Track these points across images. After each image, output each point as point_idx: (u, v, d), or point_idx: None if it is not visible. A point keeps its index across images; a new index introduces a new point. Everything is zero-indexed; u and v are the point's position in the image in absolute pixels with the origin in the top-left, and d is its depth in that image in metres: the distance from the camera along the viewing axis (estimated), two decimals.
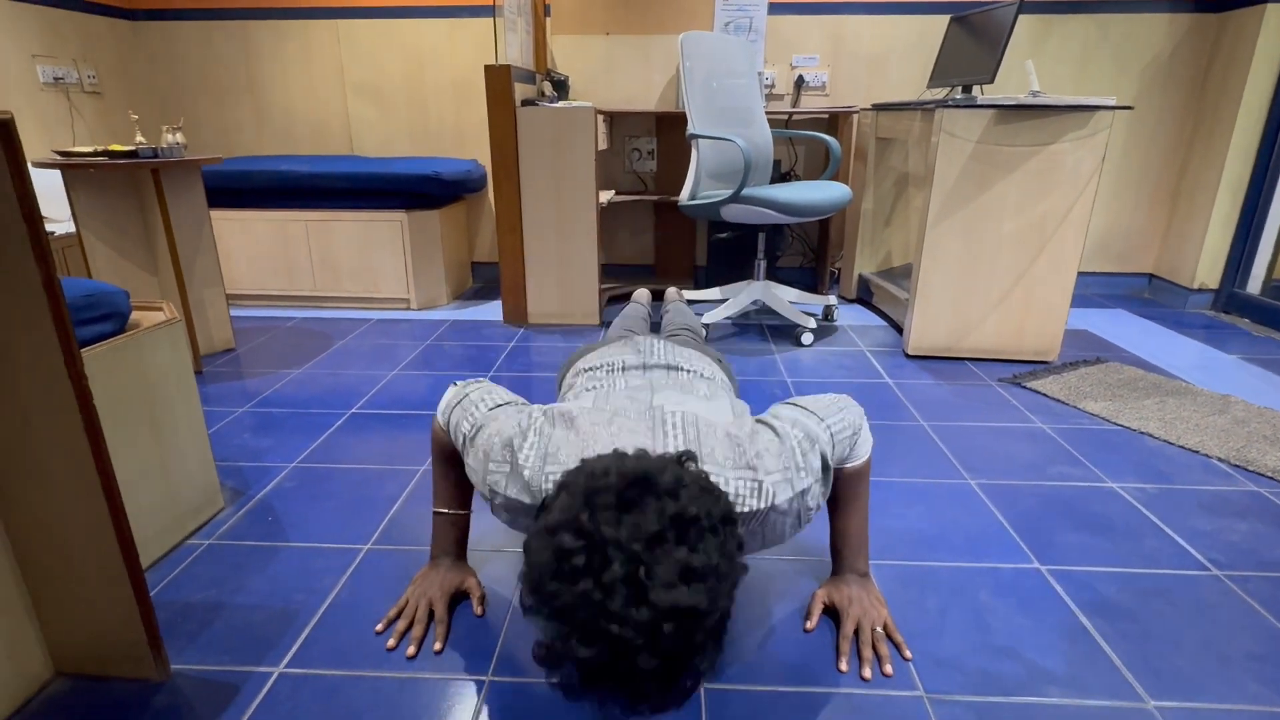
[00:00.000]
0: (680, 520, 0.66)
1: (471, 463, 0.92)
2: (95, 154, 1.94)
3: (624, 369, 1.12)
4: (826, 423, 0.94)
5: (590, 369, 1.16)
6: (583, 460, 0.75)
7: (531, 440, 0.86)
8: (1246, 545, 1.26)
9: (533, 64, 2.82)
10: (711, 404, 0.98)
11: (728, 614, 0.69)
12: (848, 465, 1.02)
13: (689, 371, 1.12)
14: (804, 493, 0.86)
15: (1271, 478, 1.49)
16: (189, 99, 3.13)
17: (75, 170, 1.94)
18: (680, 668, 0.66)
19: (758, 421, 0.91)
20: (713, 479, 0.80)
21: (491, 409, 0.96)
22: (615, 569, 0.63)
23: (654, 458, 0.74)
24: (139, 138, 2.06)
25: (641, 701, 0.68)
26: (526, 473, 0.84)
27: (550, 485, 0.82)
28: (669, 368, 1.12)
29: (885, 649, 0.99)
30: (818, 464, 0.88)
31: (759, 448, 0.86)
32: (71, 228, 2.28)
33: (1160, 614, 1.09)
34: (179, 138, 2.06)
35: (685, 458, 0.76)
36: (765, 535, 0.88)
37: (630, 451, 0.77)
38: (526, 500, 0.84)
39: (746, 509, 0.83)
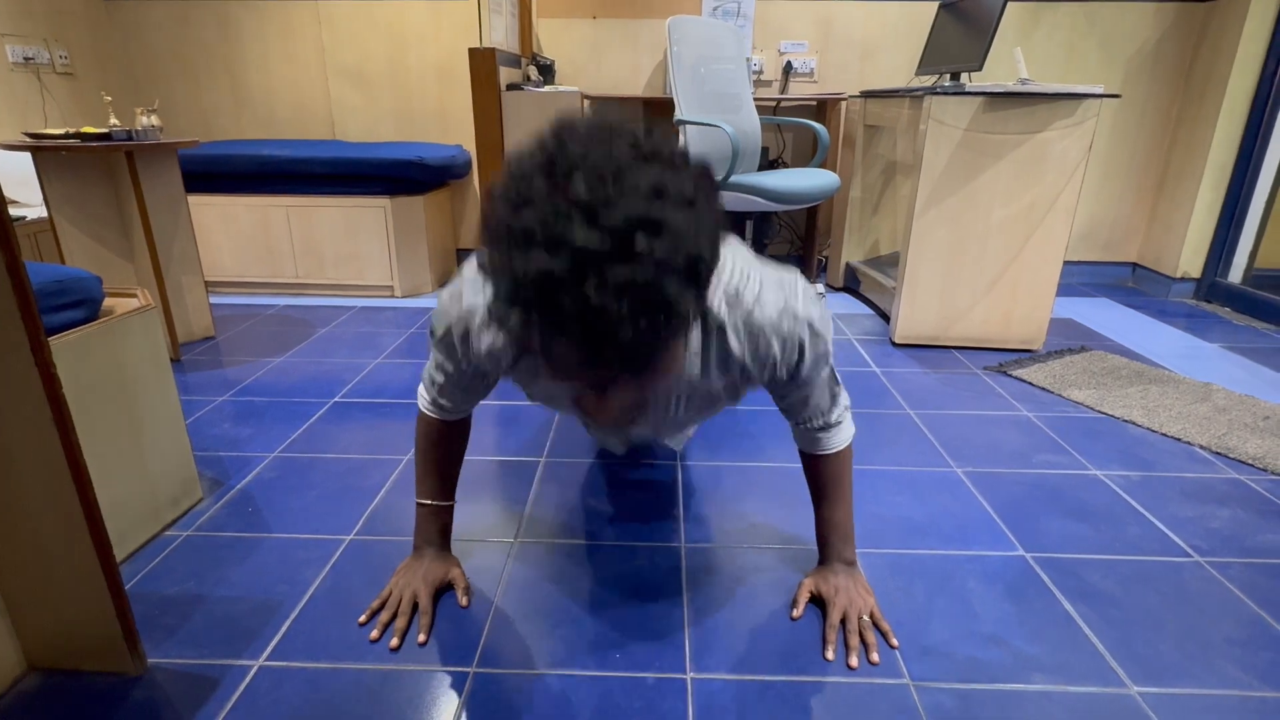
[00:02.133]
0: (654, 152, 0.56)
1: (443, 322, 0.86)
2: (67, 136, 1.89)
3: None
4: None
5: None
6: None
7: (465, 273, 0.84)
8: (1228, 532, 1.27)
9: (518, 47, 2.78)
10: None
11: (706, 264, 0.57)
12: (831, 450, 1.02)
13: None
14: (797, 317, 0.79)
15: (1252, 465, 1.50)
16: (165, 80, 3.06)
17: (46, 153, 1.89)
18: (653, 309, 0.54)
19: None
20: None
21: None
22: (578, 183, 0.53)
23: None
24: (113, 120, 2.01)
25: (608, 363, 0.57)
26: (475, 277, 0.81)
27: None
28: None
29: (872, 637, 0.99)
30: (816, 311, 0.82)
31: (759, 262, 0.82)
32: (44, 212, 2.22)
33: (1143, 600, 1.10)
34: (154, 120, 2.01)
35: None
36: (748, 346, 0.80)
37: None
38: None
39: (732, 289, 0.77)
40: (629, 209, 0.52)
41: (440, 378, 0.97)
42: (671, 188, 0.55)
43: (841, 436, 1.01)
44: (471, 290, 0.83)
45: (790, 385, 0.90)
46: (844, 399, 1.00)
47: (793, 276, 0.84)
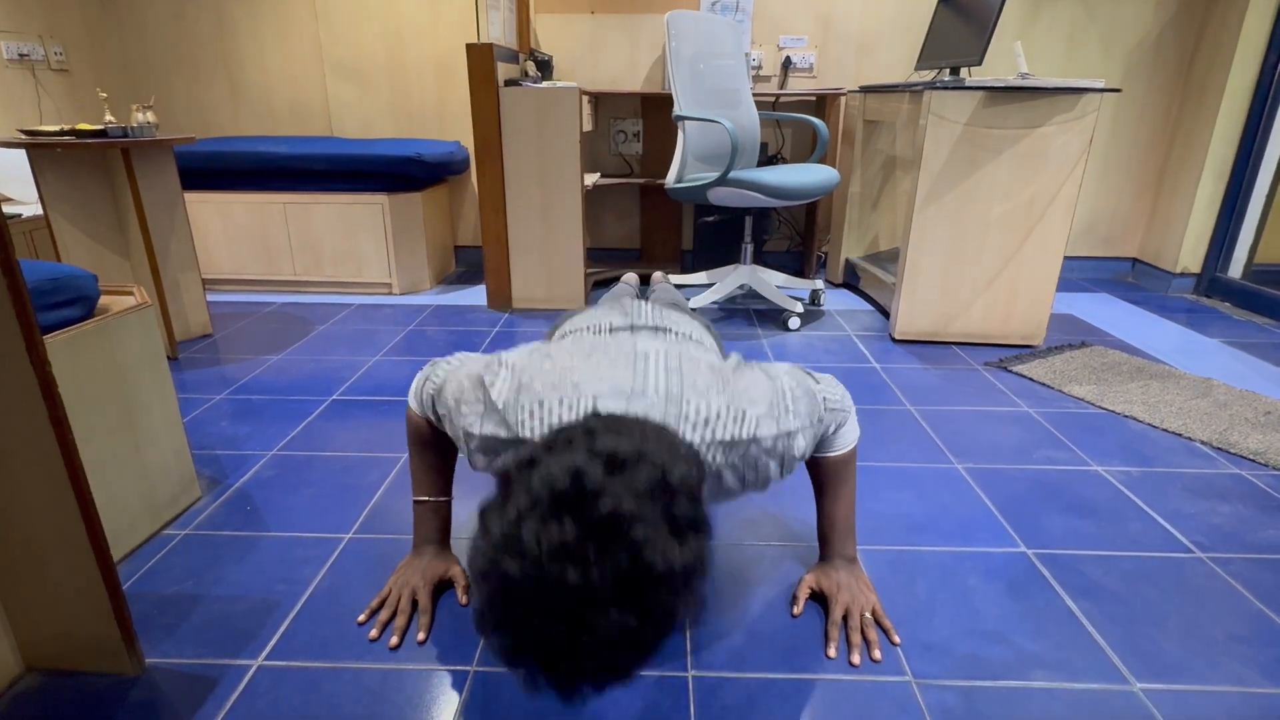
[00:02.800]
0: (632, 582, 0.59)
1: (442, 412, 0.90)
2: (62, 133, 1.88)
3: (610, 330, 1.06)
4: (821, 385, 0.93)
5: (575, 331, 1.11)
6: (533, 459, 0.66)
7: (504, 375, 0.84)
8: (1229, 527, 1.27)
9: (516, 43, 2.77)
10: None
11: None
12: (835, 452, 1.01)
13: (677, 334, 1.07)
14: (790, 434, 0.83)
15: (1253, 460, 1.50)
16: (161, 77, 3.04)
17: (42, 150, 1.88)
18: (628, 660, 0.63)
19: (747, 365, 0.90)
20: (691, 406, 0.79)
21: (460, 361, 0.95)
22: (557, 619, 0.58)
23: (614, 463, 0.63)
24: (108, 116, 2.00)
25: (570, 689, 0.64)
26: (501, 405, 0.81)
27: (527, 416, 0.79)
28: (656, 329, 1.06)
29: (874, 634, 0.99)
30: (806, 411, 0.85)
31: (745, 383, 0.84)
32: (39, 210, 2.21)
33: (1145, 596, 1.09)
34: (150, 117, 2.00)
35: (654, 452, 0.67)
36: (745, 473, 0.83)
37: (605, 385, 0.77)
38: (503, 434, 0.81)
39: (727, 436, 0.80)
40: (607, 636, 0.58)
41: (433, 417, 0.99)
42: (648, 617, 0.59)
43: (846, 440, 1.01)
44: (471, 411, 0.83)
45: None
46: (846, 410, 0.99)
47: (779, 391, 0.85)
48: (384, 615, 1.02)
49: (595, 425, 0.68)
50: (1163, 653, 0.98)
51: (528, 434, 0.79)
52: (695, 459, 0.74)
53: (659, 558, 0.59)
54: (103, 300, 1.22)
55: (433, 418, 0.99)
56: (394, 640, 0.98)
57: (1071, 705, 0.89)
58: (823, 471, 1.04)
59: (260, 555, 1.17)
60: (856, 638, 0.98)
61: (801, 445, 0.85)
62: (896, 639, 0.99)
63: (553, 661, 0.60)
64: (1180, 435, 1.61)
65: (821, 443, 1.01)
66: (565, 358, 0.85)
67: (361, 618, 1.03)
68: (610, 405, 0.77)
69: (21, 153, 2.35)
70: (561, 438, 0.66)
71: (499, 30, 2.51)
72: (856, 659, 0.95)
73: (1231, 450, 1.54)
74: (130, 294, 1.25)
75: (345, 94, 3.04)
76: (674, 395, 0.80)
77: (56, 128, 1.90)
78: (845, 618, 1.01)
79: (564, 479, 0.60)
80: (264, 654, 0.96)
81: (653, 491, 0.62)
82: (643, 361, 0.84)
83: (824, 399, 0.92)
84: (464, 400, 0.85)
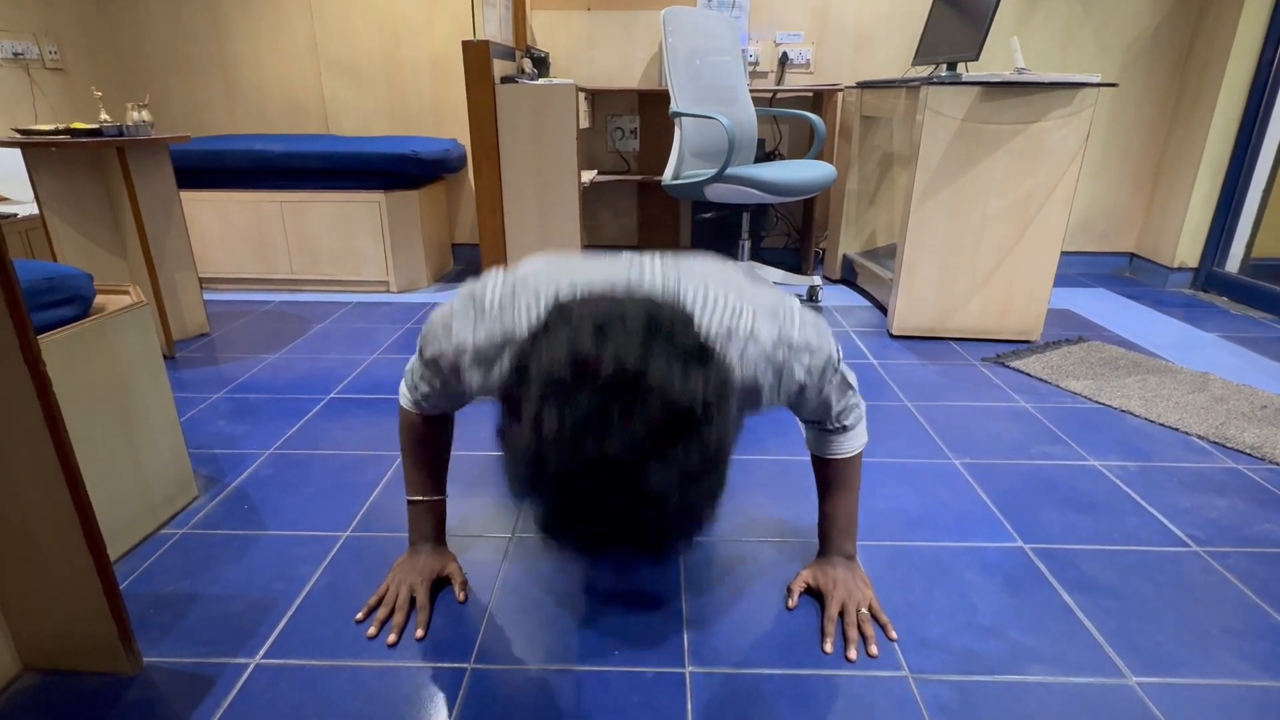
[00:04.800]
0: (671, 425, 0.58)
1: (431, 354, 0.86)
2: (57, 132, 1.87)
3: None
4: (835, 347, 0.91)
5: None
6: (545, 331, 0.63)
7: (494, 282, 0.82)
8: (1226, 521, 1.27)
9: (512, 40, 2.76)
10: None
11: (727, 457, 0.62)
12: (843, 455, 1.01)
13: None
14: (792, 346, 0.79)
15: (1249, 454, 1.50)
16: (156, 75, 3.03)
17: (37, 149, 1.87)
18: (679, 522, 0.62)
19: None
20: (689, 293, 0.77)
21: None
22: (601, 478, 0.57)
23: (626, 313, 0.62)
24: (103, 115, 1.99)
25: (662, 547, 0.64)
26: (497, 306, 0.79)
27: (523, 311, 0.77)
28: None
29: (871, 630, 0.99)
30: (812, 334, 0.82)
31: (749, 286, 0.82)
32: (34, 209, 2.21)
33: (1141, 591, 1.09)
34: (145, 115, 1.99)
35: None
36: (741, 377, 0.80)
37: (599, 278, 0.75)
38: (498, 337, 0.79)
39: (723, 327, 0.77)
40: (654, 492, 0.57)
41: (424, 388, 0.97)
42: (692, 463, 0.58)
43: (853, 444, 1.01)
44: (462, 327, 0.82)
45: (798, 401, 0.90)
46: (858, 403, 0.99)
47: (787, 303, 0.84)
48: (382, 613, 1.02)
49: (568, 305, 0.65)
50: (1158, 647, 0.98)
51: (523, 330, 0.76)
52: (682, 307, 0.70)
53: (683, 392, 0.57)
54: (98, 299, 1.22)
55: (424, 389, 0.96)
56: (392, 638, 0.98)
57: (1067, 699, 0.89)
58: (828, 471, 1.04)
59: (257, 554, 1.17)
60: (853, 633, 0.98)
61: (801, 371, 0.81)
62: (893, 634, 1.00)
63: (633, 533, 0.59)
64: (1177, 430, 1.62)
65: (831, 442, 1.01)
66: (560, 261, 0.83)
67: (359, 616, 1.03)
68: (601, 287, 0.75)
69: (16, 152, 2.34)
70: (540, 330, 0.64)
71: (495, 27, 2.50)
72: (853, 654, 0.96)
73: (1228, 444, 1.54)
74: (126, 293, 1.25)
75: (341, 92, 3.03)
76: (670, 287, 0.79)
77: (51, 126, 1.90)
78: (842, 613, 1.01)
79: (559, 363, 0.58)
80: (261, 652, 0.96)
81: (648, 334, 0.59)
82: (638, 262, 0.84)
83: (840, 360, 0.90)
84: (454, 317, 0.82)
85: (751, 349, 0.78)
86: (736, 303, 0.79)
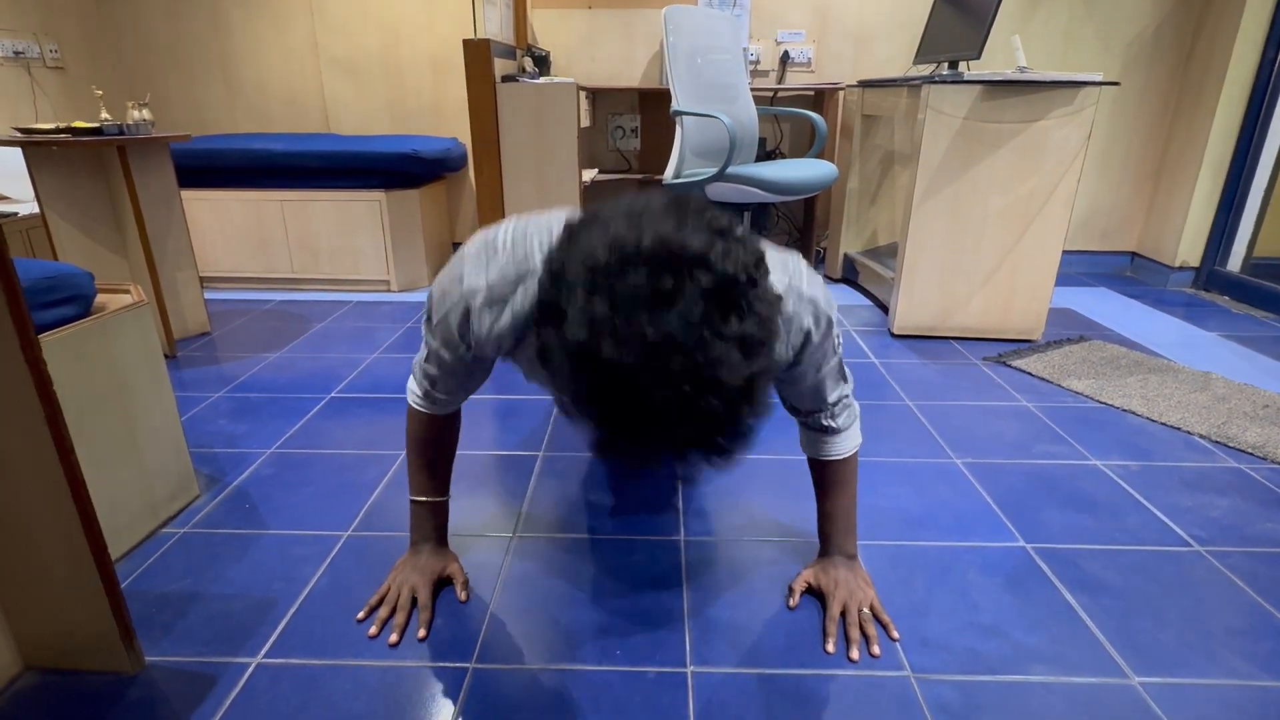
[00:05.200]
0: (722, 294, 0.56)
1: (439, 315, 0.84)
2: (58, 131, 1.87)
3: None
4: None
5: None
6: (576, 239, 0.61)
7: (504, 225, 0.81)
8: (1228, 521, 1.27)
9: (513, 38, 2.76)
10: None
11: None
12: (838, 456, 1.01)
13: None
14: (800, 296, 0.80)
15: (1251, 453, 1.50)
16: (156, 74, 3.03)
17: (38, 148, 1.87)
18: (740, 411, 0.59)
19: None
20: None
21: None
22: (663, 386, 0.55)
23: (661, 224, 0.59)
24: (104, 114, 1.99)
25: (735, 437, 0.61)
26: (509, 245, 0.78)
27: (536, 246, 0.76)
28: None
29: (873, 629, 0.99)
30: (820, 292, 0.83)
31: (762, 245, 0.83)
32: (35, 208, 2.21)
33: (1143, 590, 1.09)
34: (146, 114, 1.99)
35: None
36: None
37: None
38: (511, 272, 0.77)
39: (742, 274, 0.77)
40: (728, 379, 0.55)
41: (434, 369, 0.95)
42: (750, 330, 0.56)
43: (847, 445, 1.01)
44: (474, 270, 0.80)
45: (796, 370, 0.89)
46: (851, 401, 0.99)
47: (795, 258, 0.84)
48: (383, 612, 1.02)
49: (588, 214, 0.62)
50: (1160, 646, 0.98)
51: (538, 260, 0.75)
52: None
53: (727, 259, 0.56)
54: (99, 298, 1.22)
55: (434, 368, 0.94)
56: (393, 637, 0.98)
57: (1069, 699, 0.89)
58: (825, 472, 1.04)
59: (259, 553, 1.17)
60: (855, 633, 0.98)
61: (808, 320, 0.81)
62: (895, 634, 0.99)
63: (706, 423, 0.57)
64: (1178, 429, 1.61)
65: (826, 444, 1.01)
66: (571, 208, 0.83)
67: (361, 615, 1.03)
68: None
69: (17, 151, 2.34)
70: (564, 238, 0.61)
71: (496, 25, 2.50)
72: (855, 654, 0.95)
73: (1230, 444, 1.54)
74: (127, 292, 1.25)
75: (342, 90, 3.03)
76: None
77: (52, 125, 1.90)
78: (843, 613, 1.01)
79: (598, 251, 0.56)
80: (263, 652, 0.96)
81: (680, 214, 0.58)
82: None
83: (839, 337, 0.91)
84: (467, 262, 0.81)
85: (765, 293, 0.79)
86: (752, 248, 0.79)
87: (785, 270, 0.81)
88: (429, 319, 0.89)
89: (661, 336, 0.54)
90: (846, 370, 0.97)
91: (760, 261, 0.60)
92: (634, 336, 0.54)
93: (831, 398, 0.96)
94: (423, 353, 0.96)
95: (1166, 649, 0.97)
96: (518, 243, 0.79)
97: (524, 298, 0.78)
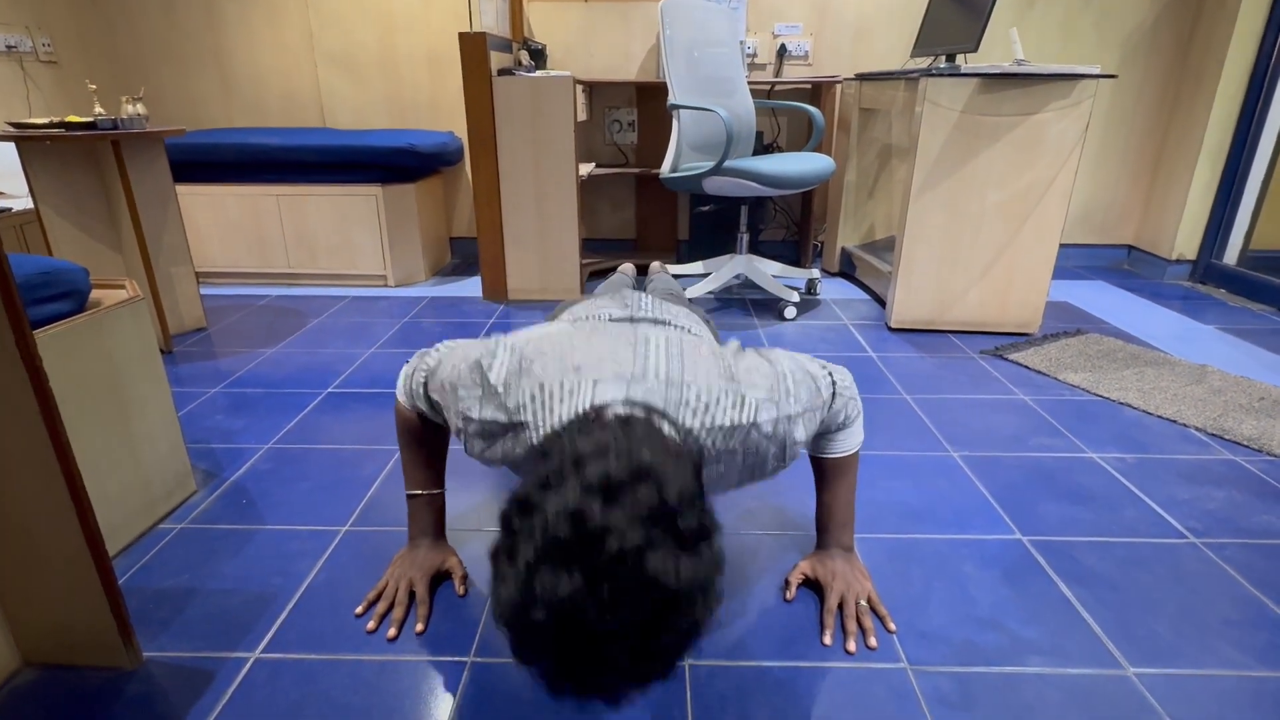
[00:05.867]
0: (659, 605, 0.58)
1: (436, 398, 0.89)
2: (52, 126, 1.86)
3: (611, 319, 1.06)
4: (828, 369, 0.93)
5: (575, 320, 1.11)
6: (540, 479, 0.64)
7: (502, 357, 0.82)
8: (1223, 513, 1.28)
9: (509, 32, 2.75)
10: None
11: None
12: (839, 454, 1.02)
13: (677, 327, 1.07)
14: (790, 419, 0.82)
15: (1247, 446, 1.51)
16: (150, 68, 3.01)
17: (31, 143, 1.86)
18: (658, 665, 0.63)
19: (746, 350, 0.90)
20: (691, 391, 0.79)
21: (450, 347, 0.94)
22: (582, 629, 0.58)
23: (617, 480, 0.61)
24: (98, 109, 1.98)
25: (620, 701, 0.64)
26: (500, 388, 0.80)
27: (527, 400, 0.78)
28: (656, 321, 1.06)
29: (869, 622, 0.99)
30: (806, 396, 0.85)
31: (745, 367, 0.84)
32: (29, 203, 2.19)
33: (1139, 582, 1.10)
34: (140, 109, 1.98)
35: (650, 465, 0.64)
36: (745, 459, 0.83)
37: (607, 369, 0.77)
38: (503, 419, 0.80)
39: (727, 421, 0.79)
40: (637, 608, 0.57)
41: (424, 407, 0.99)
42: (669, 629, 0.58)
43: (849, 443, 1.02)
44: (469, 396, 0.82)
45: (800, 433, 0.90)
46: (853, 399, 0.99)
47: (780, 373, 0.84)
48: (381, 607, 1.02)
49: (583, 449, 0.64)
50: (1156, 637, 0.98)
51: (528, 418, 0.78)
52: (692, 453, 0.73)
53: (675, 579, 0.57)
54: (94, 294, 1.21)
55: (424, 407, 0.98)
56: (392, 632, 0.98)
57: (1065, 690, 0.89)
58: (826, 466, 1.04)
59: (256, 548, 1.17)
60: (852, 625, 0.98)
61: (802, 432, 0.84)
62: (892, 626, 1.00)
63: (592, 684, 0.60)
64: (1175, 421, 1.62)
65: (828, 442, 1.01)
66: (566, 340, 0.84)
67: (359, 610, 1.03)
68: (611, 392, 0.76)
69: (11, 146, 2.33)
70: (551, 469, 0.63)
71: (492, 19, 2.49)
72: (852, 646, 0.96)
73: (1226, 436, 1.54)
74: (122, 287, 1.25)
75: (337, 84, 3.02)
76: (674, 380, 0.80)
77: (46, 120, 1.89)
78: (841, 605, 1.01)
79: (564, 525, 0.58)
80: (261, 647, 0.96)
81: (655, 514, 0.59)
82: (643, 346, 0.83)
83: (834, 381, 0.93)
84: (460, 384, 0.84)
85: (755, 434, 0.81)
86: (737, 394, 0.80)
87: (773, 401, 0.82)
88: (427, 384, 0.92)
89: (585, 627, 0.56)
90: (843, 380, 0.97)
91: (709, 581, 0.61)
92: (561, 616, 0.56)
93: (835, 422, 0.99)
94: (418, 388, 0.97)
95: (1162, 640, 0.98)
96: (509, 389, 0.80)
97: (513, 444, 0.80)
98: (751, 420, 0.80)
